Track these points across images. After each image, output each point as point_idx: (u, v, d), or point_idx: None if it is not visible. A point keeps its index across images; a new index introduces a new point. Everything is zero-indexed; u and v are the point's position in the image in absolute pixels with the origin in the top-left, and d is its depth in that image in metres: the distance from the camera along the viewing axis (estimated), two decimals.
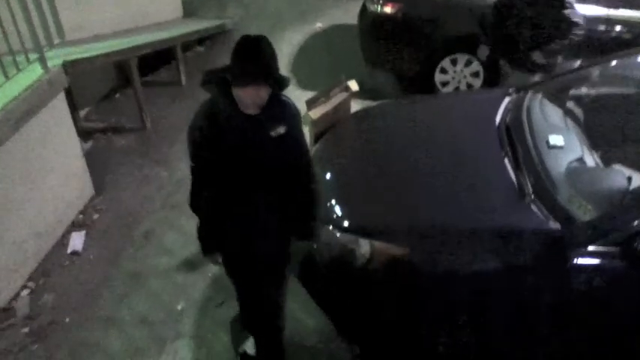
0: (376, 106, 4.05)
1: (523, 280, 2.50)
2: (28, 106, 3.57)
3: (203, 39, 6.67)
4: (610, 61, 3.61)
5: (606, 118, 3.40)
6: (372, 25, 5.39)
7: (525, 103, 3.31)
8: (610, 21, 4.66)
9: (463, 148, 3.17)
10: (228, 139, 2.20)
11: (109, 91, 5.85)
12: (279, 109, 2.34)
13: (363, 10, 5.46)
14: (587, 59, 4.14)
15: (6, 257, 3.45)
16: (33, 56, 3.88)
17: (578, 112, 3.42)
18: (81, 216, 4.14)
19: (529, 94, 3.42)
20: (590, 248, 2.44)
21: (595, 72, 3.65)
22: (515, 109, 3.31)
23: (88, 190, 4.34)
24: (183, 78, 5.98)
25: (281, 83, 2.24)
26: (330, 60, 6.04)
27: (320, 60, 6.13)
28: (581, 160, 2.94)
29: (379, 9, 5.18)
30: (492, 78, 5.11)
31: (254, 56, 2.09)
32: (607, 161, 3.00)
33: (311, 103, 4.35)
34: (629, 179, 2.76)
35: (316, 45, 6.50)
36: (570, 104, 3.47)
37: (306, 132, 4.35)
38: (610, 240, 2.45)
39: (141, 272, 3.70)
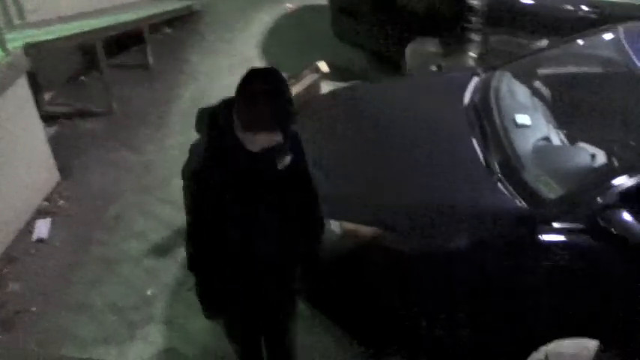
0: (346, 88, 4.05)
1: (491, 258, 2.54)
2: None
3: (171, 20, 6.53)
4: (576, 40, 3.65)
5: (572, 97, 3.45)
6: (343, 5, 5.34)
7: (493, 83, 3.34)
8: (576, 1, 4.70)
9: (432, 129, 3.19)
10: (235, 182, 1.90)
11: (75, 74, 5.70)
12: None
13: None
14: (554, 39, 4.17)
15: None
16: None
17: (545, 91, 3.47)
18: (46, 203, 4.05)
19: (497, 74, 3.45)
20: (556, 225, 2.49)
21: (561, 52, 3.69)
22: (483, 88, 3.34)
23: (54, 175, 4.24)
24: (151, 60, 5.85)
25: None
26: (301, 40, 5.98)
27: (291, 40, 6.07)
28: (547, 138, 3.00)
29: None
30: None
31: (272, 102, 1.78)
32: (572, 139, 3.06)
33: None
34: (593, 157, 2.82)
35: (287, 25, 6.43)
36: (537, 84, 3.52)
37: None
38: (575, 217, 2.50)
39: (111, 258, 3.65)
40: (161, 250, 3.65)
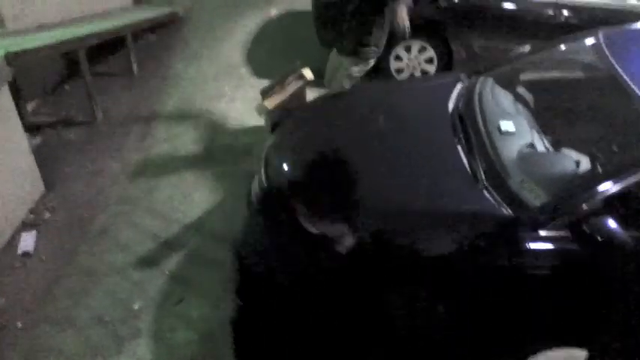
0: (331, 95, 4.03)
1: (476, 266, 2.55)
2: None
3: (155, 27, 6.50)
4: (558, 45, 3.68)
5: (555, 103, 3.48)
6: (325, 8, 5.33)
7: (477, 89, 3.35)
8: (557, 6, 4.75)
9: (417, 136, 3.21)
10: None
11: (58, 83, 5.65)
12: None
13: None
14: (536, 44, 4.21)
15: None
16: None
17: (529, 97, 3.49)
18: (31, 215, 4.00)
19: (480, 80, 3.47)
20: (542, 233, 2.50)
21: (544, 57, 3.72)
22: (467, 95, 3.35)
23: (38, 187, 4.19)
24: (134, 67, 5.82)
25: None
26: (285, 47, 5.97)
27: (275, 47, 6.06)
28: (531, 145, 3.01)
29: None
30: (446, 64, 5.16)
31: None
32: (556, 146, 3.08)
33: (265, 93, 4.31)
34: (578, 163, 2.84)
35: (271, 32, 6.42)
36: (520, 89, 3.54)
37: (262, 121, 4.35)
38: (561, 224, 2.52)
39: (96, 270, 3.61)
40: (147, 263, 3.62)
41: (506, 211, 2.60)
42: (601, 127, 3.13)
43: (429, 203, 2.72)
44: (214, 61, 5.94)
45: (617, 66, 3.02)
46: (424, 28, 5.08)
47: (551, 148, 3.06)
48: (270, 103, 4.10)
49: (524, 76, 3.67)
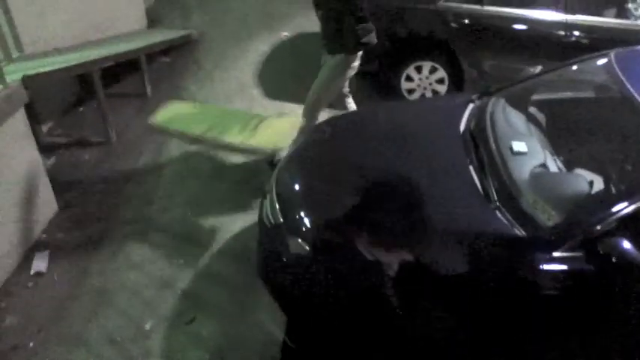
0: (342, 116, 4.06)
1: (490, 286, 2.53)
2: None
3: (168, 49, 6.59)
4: (570, 66, 3.69)
5: (568, 123, 3.48)
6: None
7: (488, 109, 3.36)
8: (568, 26, 4.76)
9: (429, 156, 3.20)
10: None
11: (73, 104, 5.74)
12: None
13: None
14: (547, 64, 4.22)
15: None
16: None
17: (541, 117, 3.49)
18: (44, 235, 4.04)
19: (492, 100, 3.47)
20: (555, 253, 2.48)
21: (555, 77, 3.73)
22: (479, 115, 3.36)
23: (52, 207, 4.24)
24: (148, 89, 5.90)
25: None
26: (296, 68, 6.02)
27: (286, 68, 6.12)
28: (544, 165, 3.00)
29: None
30: (457, 84, 5.19)
31: None
32: (569, 166, 3.07)
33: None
34: (591, 183, 2.83)
35: (283, 54, 6.49)
36: (532, 109, 3.55)
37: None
38: (574, 244, 2.49)
39: (108, 289, 3.62)
40: (159, 282, 3.62)
41: (519, 231, 2.58)
42: (614, 147, 3.12)
43: (442, 223, 2.71)
44: (227, 82, 6.01)
45: (629, 86, 3.02)
46: (435, 48, 5.13)
47: (563, 169, 3.05)
48: None
49: (536, 97, 3.68)
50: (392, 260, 2.64)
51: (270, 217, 3.10)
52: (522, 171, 2.89)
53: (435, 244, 2.65)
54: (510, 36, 4.96)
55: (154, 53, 6.31)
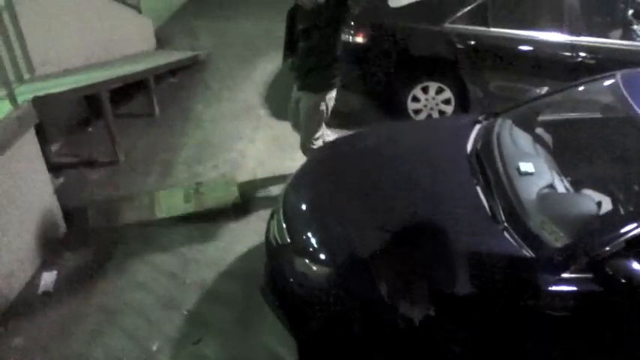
0: (349, 136, 4.08)
1: (498, 307, 2.52)
2: None
3: (176, 69, 6.67)
4: (576, 86, 3.70)
5: (575, 144, 3.48)
6: (345, 54, 5.44)
7: (495, 130, 3.37)
8: (574, 47, 4.79)
9: (435, 176, 3.21)
10: None
11: (82, 124, 5.79)
12: None
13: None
14: (553, 85, 4.24)
15: None
16: (1, 92, 3.83)
17: (547, 137, 3.50)
18: (52, 254, 4.05)
19: (499, 121, 3.48)
20: (563, 275, 2.47)
21: (562, 98, 3.74)
22: (486, 136, 3.37)
23: (60, 226, 4.26)
24: (156, 109, 5.95)
25: None
26: None
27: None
28: (551, 186, 3.00)
29: (351, 39, 5.25)
30: (463, 105, 5.21)
31: None
32: (577, 186, 3.07)
33: None
34: (599, 204, 2.82)
35: (289, 73, 6.51)
36: (539, 130, 3.55)
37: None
38: (582, 265, 2.48)
39: (114, 309, 3.62)
40: (165, 302, 3.62)
41: (527, 252, 2.57)
42: (621, 168, 3.12)
43: (449, 244, 2.70)
44: (234, 102, 6.06)
45: (635, 107, 3.02)
46: (441, 69, 5.16)
47: (571, 189, 3.05)
48: None
49: (543, 117, 3.69)
50: (400, 281, 2.63)
51: (277, 236, 3.11)
52: (530, 191, 2.89)
53: (443, 264, 2.64)
54: (516, 57, 4.99)
55: (162, 74, 6.39)
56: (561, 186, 3.03)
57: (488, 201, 2.87)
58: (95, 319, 3.55)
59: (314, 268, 2.79)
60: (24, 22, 4.34)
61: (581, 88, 3.69)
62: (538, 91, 4.81)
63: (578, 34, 4.77)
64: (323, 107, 4.14)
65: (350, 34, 5.25)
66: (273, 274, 3.13)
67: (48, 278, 3.81)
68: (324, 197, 3.23)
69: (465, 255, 2.64)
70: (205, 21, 7.90)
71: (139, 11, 6.72)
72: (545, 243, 2.60)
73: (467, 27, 5.00)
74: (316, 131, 4.22)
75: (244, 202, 4.50)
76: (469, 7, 4.97)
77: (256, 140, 5.36)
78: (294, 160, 4.39)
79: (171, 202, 4.44)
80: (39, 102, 4.07)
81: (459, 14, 4.99)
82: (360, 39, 5.24)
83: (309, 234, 2.96)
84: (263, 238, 3.39)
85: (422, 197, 3.05)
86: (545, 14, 4.95)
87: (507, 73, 5.04)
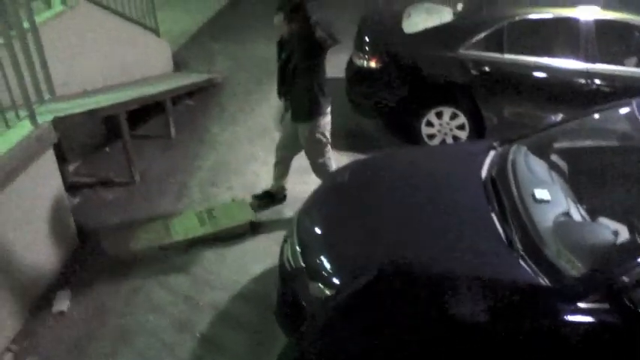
0: (363, 161, 4.08)
1: (514, 336, 2.49)
2: (16, 163, 3.57)
3: (192, 91, 6.75)
4: (592, 114, 3.70)
5: (591, 171, 3.46)
6: (358, 79, 5.50)
7: (510, 157, 3.36)
8: (589, 74, 4.79)
9: (450, 202, 3.20)
10: None
11: (99, 145, 5.87)
12: None
13: (350, 64, 5.59)
14: (568, 112, 4.23)
15: None
16: (23, 113, 3.90)
17: (563, 165, 3.49)
18: (67, 273, 4.08)
19: (514, 148, 3.48)
20: (580, 305, 2.45)
21: (577, 125, 3.74)
22: (501, 162, 3.36)
23: (75, 246, 4.29)
24: (172, 131, 6.01)
25: None
26: None
27: None
28: (567, 214, 2.98)
29: (365, 64, 5.30)
30: (478, 130, 5.21)
31: None
32: (593, 215, 3.04)
33: None
34: (616, 233, 2.80)
35: None
36: (555, 157, 3.54)
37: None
38: (599, 295, 2.46)
39: (128, 330, 3.63)
40: (179, 324, 3.62)
41: (543, 281, 2.56)
42: (638, 196, 3.10)
43: (465, 271, 2.69)
44: (249, 125, 6.11)
45: None
46: (456, 94, 5.18)
47: (587, 217, 3.03)
48: None
49: (558, 145, 3.68)
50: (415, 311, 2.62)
51: (291, 260, 3.11)
52: (546, 219, 2.87)
53: (458, 291, 2.62)
54: (531, 84, 4.99)
55: (179, 96, 6.46)
56: (577, 214, 3.01)
57: (503, 228, 2.86)
58: (109, 340, 3.56)
59: (328, 292, 2.79)
60: (47, 44, 4.43)
61: (596, 116, 3.68)
62: (553, 117, 4.80)
63: (594, 62, 4.78)
64: (319, 136, 4.21)
65: (364, 58, 5.31)
66: (286, 298, 3.13)
67: (62, 297, 3.84)
68: (337, 222, 3.24)
69: (480, 282, 2.63)
70: (221, 44, 8.01)
71: (158, 34, 6.83)
72: (562, 272, 2.58)
73: (482, 53, 5.02)
74: (322, 156, 4.32)
75: (260, 222, 4.51)
76: (484, 34, 4.99)
77: (270, 162, 5.37)
78: (307, 184, 4.40)
79: (187, 225, 4.47)
80: (59, 122, 4.14)
81: (474, 40, 5.02)
82: (374, 64, 5.28)
83: (323, 258, 2.96)
84: (276, 261, 3.40)
85: (436, 223, 3.04)
86: (561, 41, 4.96)
87: (522, 99, 5.04)
